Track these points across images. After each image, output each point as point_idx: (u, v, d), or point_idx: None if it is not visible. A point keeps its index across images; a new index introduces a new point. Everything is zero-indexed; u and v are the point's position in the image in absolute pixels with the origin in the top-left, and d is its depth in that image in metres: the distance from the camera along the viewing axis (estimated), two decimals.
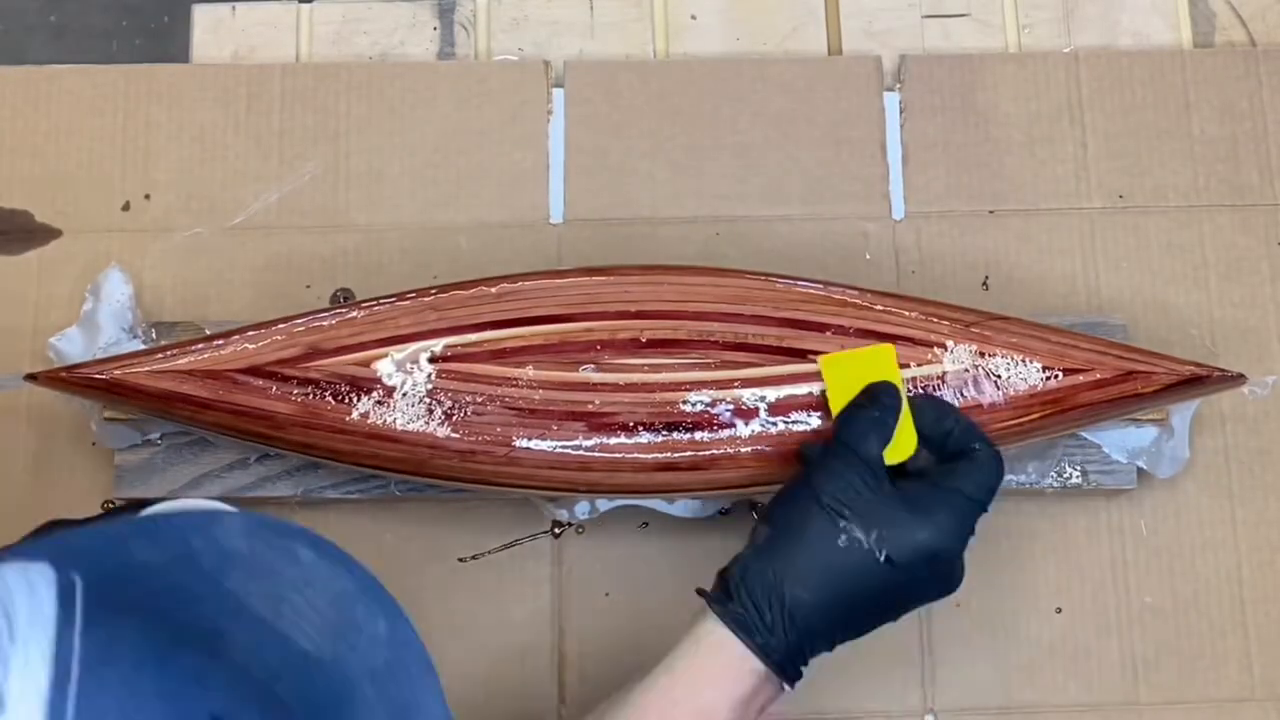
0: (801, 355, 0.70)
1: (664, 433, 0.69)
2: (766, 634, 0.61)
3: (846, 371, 0.68)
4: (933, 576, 0.63)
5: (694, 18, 0.89)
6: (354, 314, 0.71)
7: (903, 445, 0.65)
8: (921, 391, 0.69)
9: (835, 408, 0.67)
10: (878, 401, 0.66)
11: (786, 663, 0.62)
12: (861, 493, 0.62)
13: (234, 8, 0.88)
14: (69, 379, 0.70)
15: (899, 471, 0.65)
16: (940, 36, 0.89)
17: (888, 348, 0.69)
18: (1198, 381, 0.71)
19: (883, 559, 0.61)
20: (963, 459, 0.65)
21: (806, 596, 0.61)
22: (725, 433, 0.68)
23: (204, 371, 0.69)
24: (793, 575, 0.61)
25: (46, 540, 0.47)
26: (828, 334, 0.70)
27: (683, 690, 0.62)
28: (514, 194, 0.84)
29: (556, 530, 0.79)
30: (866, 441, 0.64)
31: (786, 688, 0.62)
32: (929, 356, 0.70)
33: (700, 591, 0.64)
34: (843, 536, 0.61)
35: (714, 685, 0.62)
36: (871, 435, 0.64)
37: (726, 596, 0.62)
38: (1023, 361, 0.70)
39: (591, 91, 0.86)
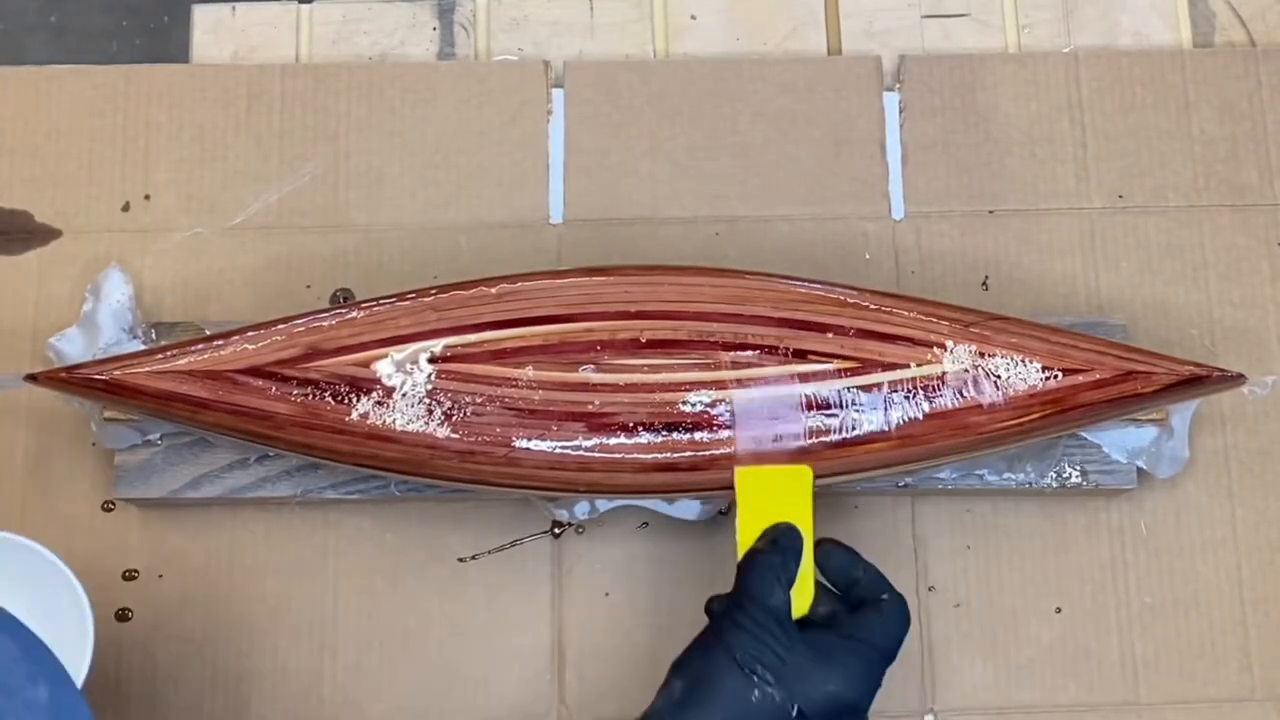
0: (802, 355, 0.70)
1: (664, 433, 0.69)
2: None
3: (761, 488, 0.68)
4: None
5: (694, 18, 0.89)
6: (354, 314, 0.71)
7: (803, 592, 0.66)
8: (829, 538, 0.68)
9: (742, 525, 0.67)
10: (779, 547, 0.66)
11: None
12: (773, 647, 0.62)
13: (234, 8, 0.88)
14: (69, 379, 0.70)
15: (802, 620, 0.65)
16: (940, 36, 0.89)
17: (806, 471, 0.69)
18: (1198, 381, 0.71)
19: (794, 713, 0.61)
20: (870, 609, 0.65)
21: None
22: (725, 433, 0.68)
23: (204, 372, 0.69)
24: None
25: None
26: (828, 334, 0.70)
27: None
28: (514, 194, 0.84)
29: (556, 530, 0.79)
30: (773, 593, 0.64)
31: None
32: (929, 356, 0.70)
33: None
34: (756, 692, 0.61)
35: None
36: (776, 586, 0.64)
37: None
38: (1022, 361, 0.70)
39: (591, 91, 0.86)
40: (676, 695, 0.63)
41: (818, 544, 0.67)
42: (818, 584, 0.67)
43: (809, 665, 0.62)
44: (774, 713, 0.61)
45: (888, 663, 0.65)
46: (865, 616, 0.65)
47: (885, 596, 0.66)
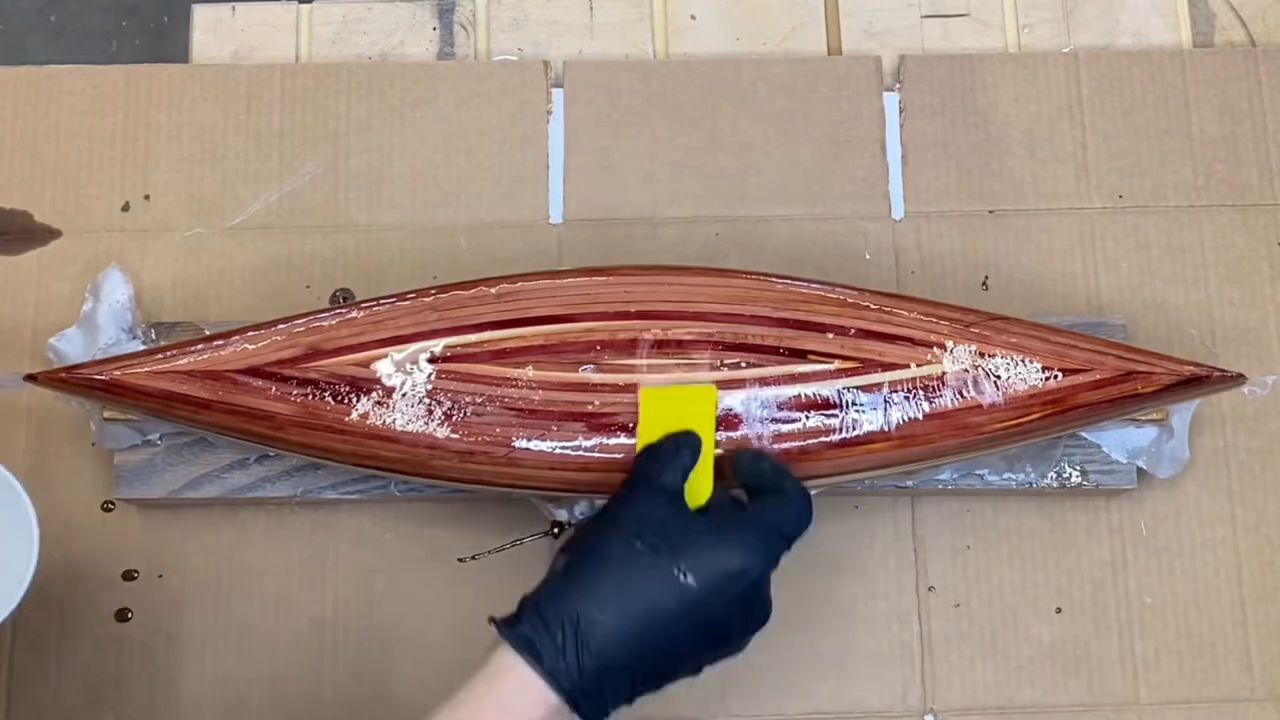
0: (802, 355, 0.70)
1: None
2: (556, 657, 0.58)
3: (664, 408, 0.68)
4: (738, 602, 0.61)
5: (694, 18, 0.89)
6: (354, 314, 0.71)
7: (697, 490, 0.65)
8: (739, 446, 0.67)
9: (641, 437, 0.67)
10: (674, 440, 0.65)
11: (579, 694, 0.58)
12: (662, 517, 0.61)
13: (234, 8, 0.88)
14: (69, 379, 0.70)
15: (699, 509, 0.64)
16: (940, 36, 0.89)
17: (710, 390, 0.68)
18: (1198, 381, 0.71)
19: (685, 579, 0.59)
20: (771, 494, 0.64)
21: (602, 618, 0.58)
22: (725, 433, 0.68)
23: (204, 372, 0.69)
24: (588, 596, 0.59)
25: None
26: (828, 334, 0.70)
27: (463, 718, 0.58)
28: (514, 194, 0.84)
29: (556, 530, 0.79)
30: (664, 475, 0.63)
31: None
32: (929, 356, 0.70)
33: (492, 619, 0.60)
34: (644, 558, 0.59)
35: (498, 714, 0.58)
36: (668, 469, 0.63)
37: (518, 620, 0.59)
38: (1022, 361, 0.70)
39: (591, 91, 0.86)
40: (560, 566, 0.61)
41: (721, 447, 0.66)
42: (719, 484, 0.66)
43: (699, 535, 0.60)
44: (661, 579, 0.59)
45: (786, 543, 0.63)
46: (765, 499, 0.64)
47: (787, 484, 0.64)
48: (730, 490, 0.66)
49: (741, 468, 0.66)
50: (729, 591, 0.60)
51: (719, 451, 0.67)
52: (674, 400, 0.68)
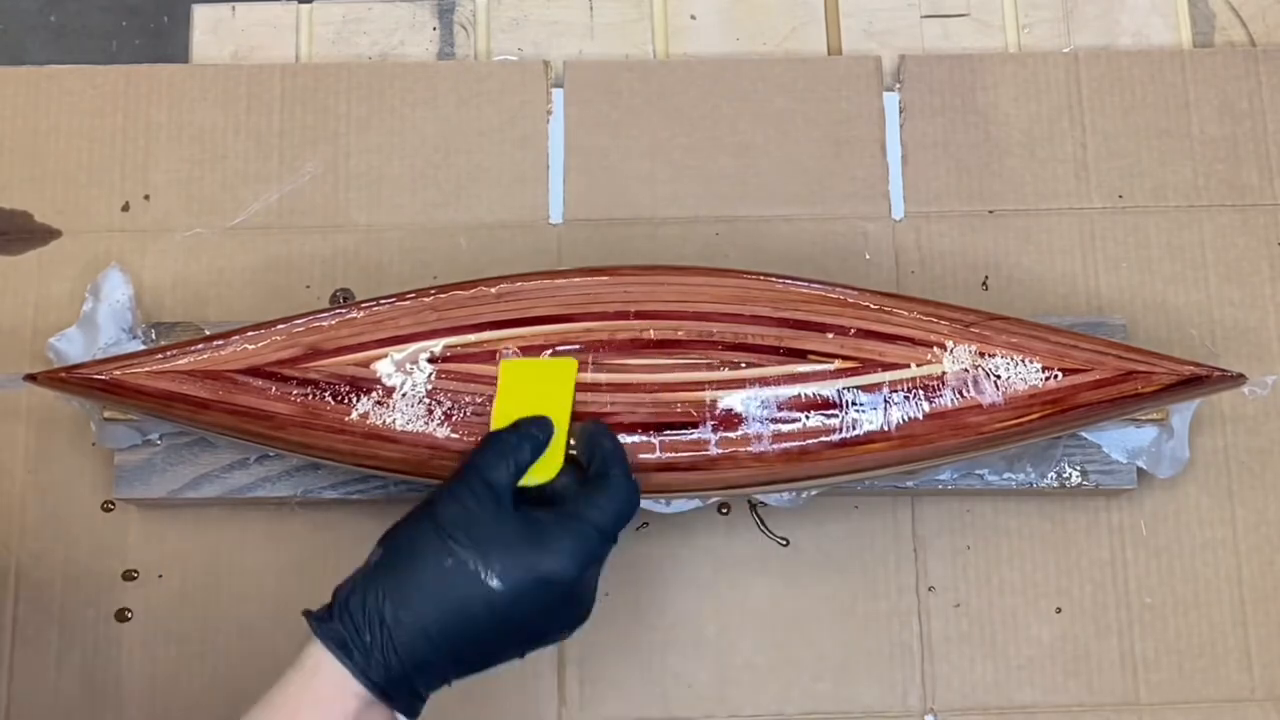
0: (802, 355, 0.70)
1: (664, 433, 0.69)
2: (365, 654, 0.58)
3: (523, 380, 0.68)
4: (548, 604, 0.61)
5: (694, 18, 0.89)
6: (354, 314, 0.71)
7: (546, 467, 0.65)
8: (594, 421, 0.68)
9: (496, 414, 0.67)
10: (523, 431, 0.65)
11: (391, 688, 0.59)
12: (479, 517, 0.61)
13: (234, 8, 0.88)
14: (69, 379, 0.70)
15: (539, 494, 0.64)
16: (940, 36, 0.89)
17: (570, 363, 0.69)
18: (1198, 381, 0.71)
19: (491, 582, 0.59)
20: (597, 485, 0.63)
21: (409, 618, 0.59)
22: (725, 433, 0.68)
23: (204, 372, 0.69)
24: (398, 596, 0.59)
25: None
26: (828, 334, 0.70)
27: (280, 716, 0.59)
28: (514, 194, 0.84)
29: None
30: (496, 469, 0.62)
31: (401, 718, 0.60)
32: (929, 356, 0.70)
33: (306, 612, 0.61)
34: (450, 559, 0.60)
35: (313, 709, 0.59)
36: (503, 464, 0.63)
37: (330, 616, 0.60)
38: (1023, 361, 0.70)
39: (591, 91, 0.86)
40: (374, 560, 0.61)
41: (593, 425, 0.67)
42: (569, 459, 0.66)
43: (514, 537, 0.60)
44: (467, 579, 0.59)
45: (606, 541, 0.62)
46: (589, 492, 0.63)
47: (614, 472, 0.64)
48: (572, 469, 0.65)
49: (581, 441, 0.66)
50: (538, 595, 0.60)
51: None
52: (534, 373, 0.68)
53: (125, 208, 0.84)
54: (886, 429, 0.69)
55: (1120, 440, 0.77)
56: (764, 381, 0.69)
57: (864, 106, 0.86)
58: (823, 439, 0.69)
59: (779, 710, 0.77)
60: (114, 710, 0.76)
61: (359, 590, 0.60)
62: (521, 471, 0.64)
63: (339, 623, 0.59)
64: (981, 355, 0.70)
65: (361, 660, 0.59)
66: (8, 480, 0.79)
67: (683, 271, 0.73)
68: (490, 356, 0.69)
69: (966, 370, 0.70)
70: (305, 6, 0.88)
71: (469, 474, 0.62)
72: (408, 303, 0.71)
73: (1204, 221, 0.84)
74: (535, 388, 0.68)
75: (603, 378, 0.69)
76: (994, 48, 0.88)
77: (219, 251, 0.83)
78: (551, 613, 0.62)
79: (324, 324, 0.70)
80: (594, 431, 0.66)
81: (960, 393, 0.70)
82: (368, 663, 0.59)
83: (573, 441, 0.67)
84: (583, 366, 0.69)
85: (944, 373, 0.70)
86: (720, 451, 0.69)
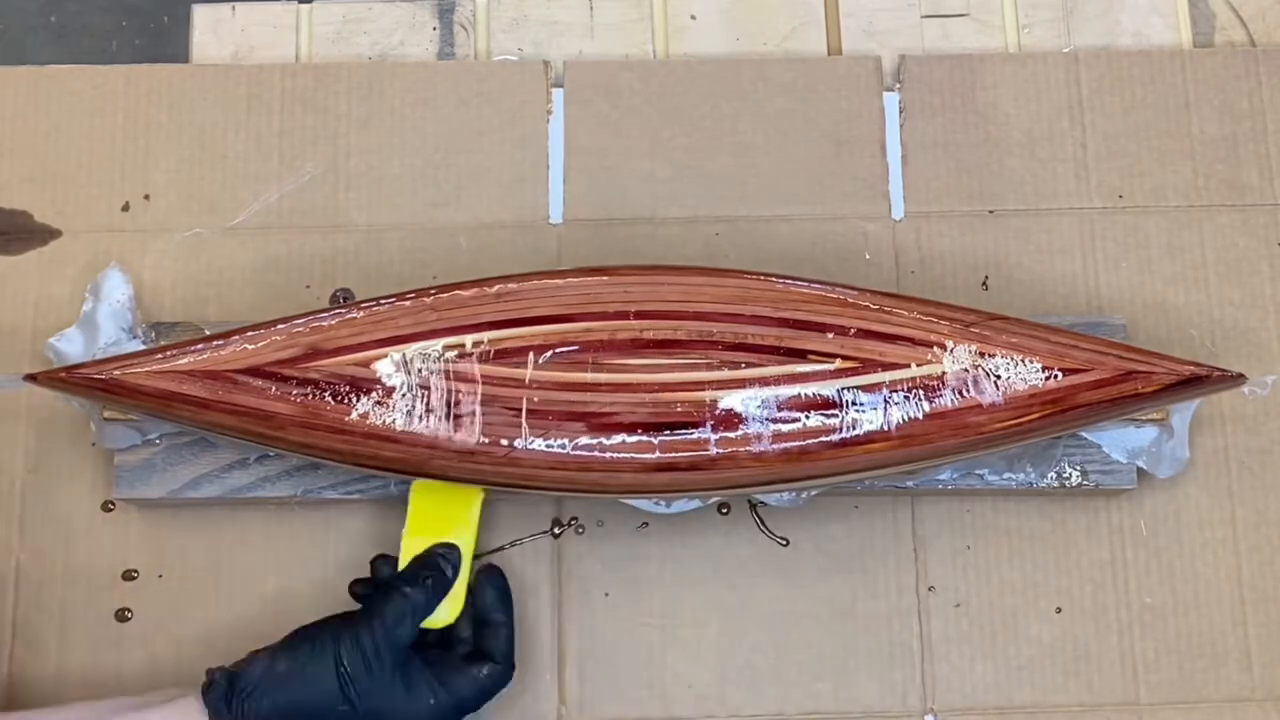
0: (802, 355, 0.70)
1: (664, 433, 0.69)
2: None
3: (432, 502, 0.72)
4: None
5: (694, 18, 0.89)
6: (354, 314, 0.71)
7: (448, 611, 0.71)
8: (490, 566, 0.73)
9: (408, 534, 0.72)
10: (428, 581, 0.70)
11: None
12: (376, 671, 0.68)
13: (234, 8, 0.88)
14: (69, 379, 0.70)
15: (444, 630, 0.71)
16: (940, 36, 0.89)
17: (477, 494, 0.73)
18: (1197, 381, 0.71)
19: None
20: (477, 663, 0.70)
21: None
22: (725, 433, 0.68)
23: (204, 372, 0.69)
24: (283, 709, 0.67)
25: None
26: (828, 334, 0.70)
27: None
28: (514, 194, 0.84)
29: (556, 530, 0.79)
30: (400, 626, 0.69)
31: None
32: (929, 356, 0.70)
33: (210, 673, 0.68)
34: (343, 702, 0.67)
35: None
36: (407, 620, 0.69)
37: (228, 694, 0.67)
38: (1023, 361, 0.70)
39: (591, 91, 0.86)
40: (282, 666, 0.68)
41: (481, 570, 0.73)
42: (468, 601, 0.72)
43: (397, 698, 0.68)
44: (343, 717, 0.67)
45: (465, 714, 0.70)
46: (469, 670, 0.70)
47: (496, 659, 0.70)
48: (469, 613, 0.72)
49: (479, 608, 0.72)
50: None
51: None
52: (444, 497, 0.72)
53: (125, 208, 0.84)
54: (886, 429, 0.69)
55: (1120, 440, 0.77)
56: (764, 381, 0.69)
57: (864, 106, 0.86)
58: (823, 439, 0.69)
59: (779, 710, 0.77)
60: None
61: (261, 694, 0.67)
62: (423, 618, 0.70)
63: (219, 698, 0.67)
64: (981, 355, 0.70)
65: None
66: (8, 480, 0.79)
67: (683, 271, 0.73)
68: (490, 356, 0.69)
69: (966, 370, 0.70)
70: (305, 6, 0.88)
71: (377, 626, 0.68)
72: (408, 303, 0.71)
73: (1204, 221, 0.84)
74: (443, 512, 0.72)
75: (603, 378, 0.69)
76: (994, 48, 0.88)
77: (219, 251, 0.83)
78: None
79: (324, 324, 0.70)
80: (490, 593, 0.72)
81: (960, 393, 0.70)
82: None
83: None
84: (583, 366, 0.69)
85: (944, 373, 0.70)
86: (720, 451, 0.69)
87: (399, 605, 0.69)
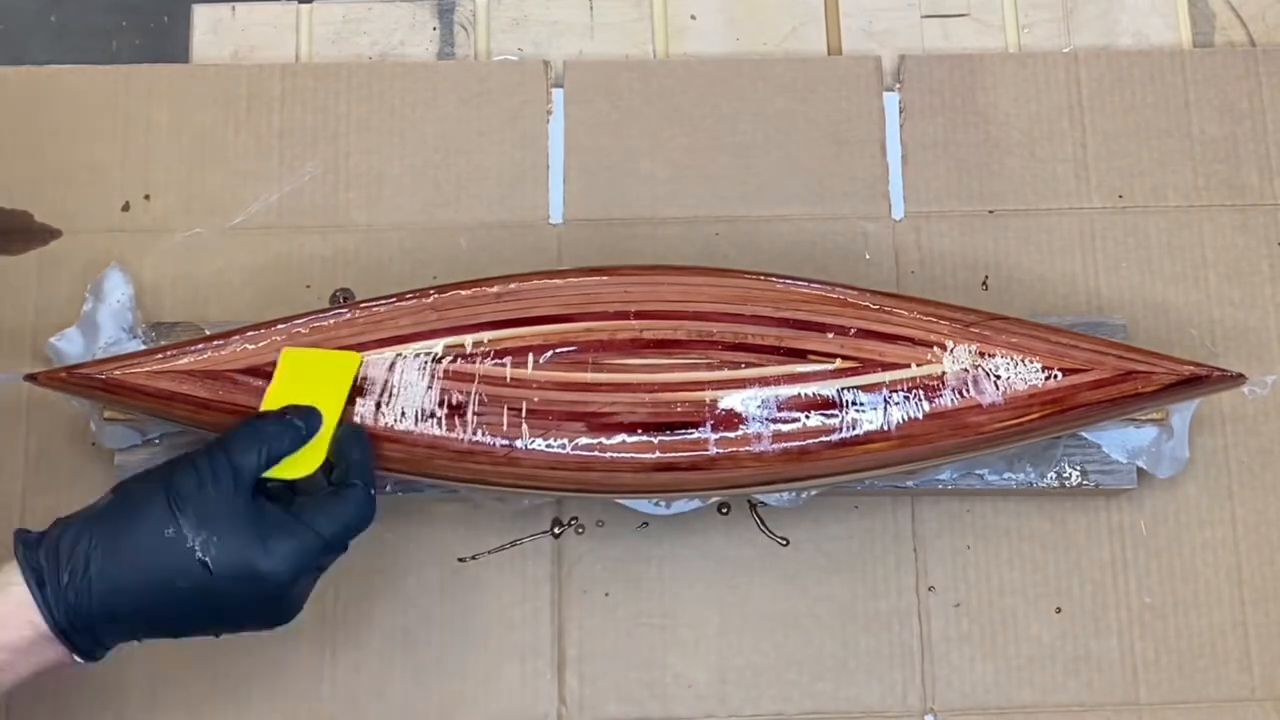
0: (802, 355, 0.70)
1: (664, 433, 0.69)
2: (58, 594, 0.59)
3: (303, 369, 0.68)
4: (255, 598, 0.61)
5: (694, 18, 0.89)
6: (354, 314, 0.71)
7: (303, 462, 0.65)
8: (353, 425, 0.68)
9: (268, 398, 0.67)
10: (285, 421, 0.65)
11: (72, 631, 0.60)
12: (212, 497, 0.61)
13: (234, 8, 0.88)
14: (69, 379, 0.70)
15: (289, 486, 0.64)
16: (940, 36, 0.89)
17: (353, 357, 0.69)
18: (1197, 381, 0.71)
19: (205, 563, 0.60)
20: (335, 494, 0.64)
21: (113, 572, 0.59)
22: (725, 433, 0.68)
23: (204, 371, 0.69)
24: (109, 547, 0.60)
25: None
26: (828, 334, 0.70)
27: None
28: (514, 194, 0.84)
29: (556, 530, 0.79)
30: (245, 454, 0.62)
31: (78, 659, 0.61)
32: (929, 356, 0.70)
33: (18, 532, 0.62)
34: (172, 529, 0.60)
35: None
36: (254, 450, 0.63)
37: (38, 544, 0.60)
38: (1023, 361, 0.70)
39: (591, 91, 0.86)
40: (100, 504, 0.62)
41: (343, 430, 0.67)
42: (328, 460, 0.66)
43: (240, 526, 0.61)
44: (179, 555, 0.60)
45: (329, 551, 0.63)
46: (325, 500, 0.64)
47: (355, 484, 0.64)
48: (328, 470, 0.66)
49: (336, 444, 0.66)
50: (246, 588, 0.61)
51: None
52: (316, 364, 0.68)
53: (125, 208, 0.84)
54: (886, 429, 0.69)
55: (1120, 440, 0.77)
56: (764, 381, 0.69)
57: (864, 106, 0.86)
58: (823, 439, 0.69)
59: (779, 710, 0.77)
60: (114, 710, 0.76)
61: (73, 531, 0.60)
62: (274, 461, 0.64)
63: (43, 554, 0.60)
64: (981, 355, 0.70)
65: (51, 598, 0.59)
66: (8, 480, 0.79)
67: (683, 271, 0.73)
68: (490, 356, 0.69)
69: (966, 370, 0.70)
70: (305, 6, 0.88)
71: (216, 451, 0.62)
72: (408, 303, 0.71)
73: (1204, 221, 0.84)
74: (315, 378, 0.68)
75: (603, 378, 0.69)
76: (994, 48, 0.88)
77: (219, 251, 0.83)
78: (256, 606, 0.62)
79: (324, 324, 0.70)
80: (348, 437, 0.66)
81: (960, 393, 0.70)
82: (56, 602, 0.59)
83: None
84: (583, 366, 0.69)
85: (944, 373, 0.70)
86: (720, 451, 0.69)
87: (246, 432, 0.63)
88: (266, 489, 0.64)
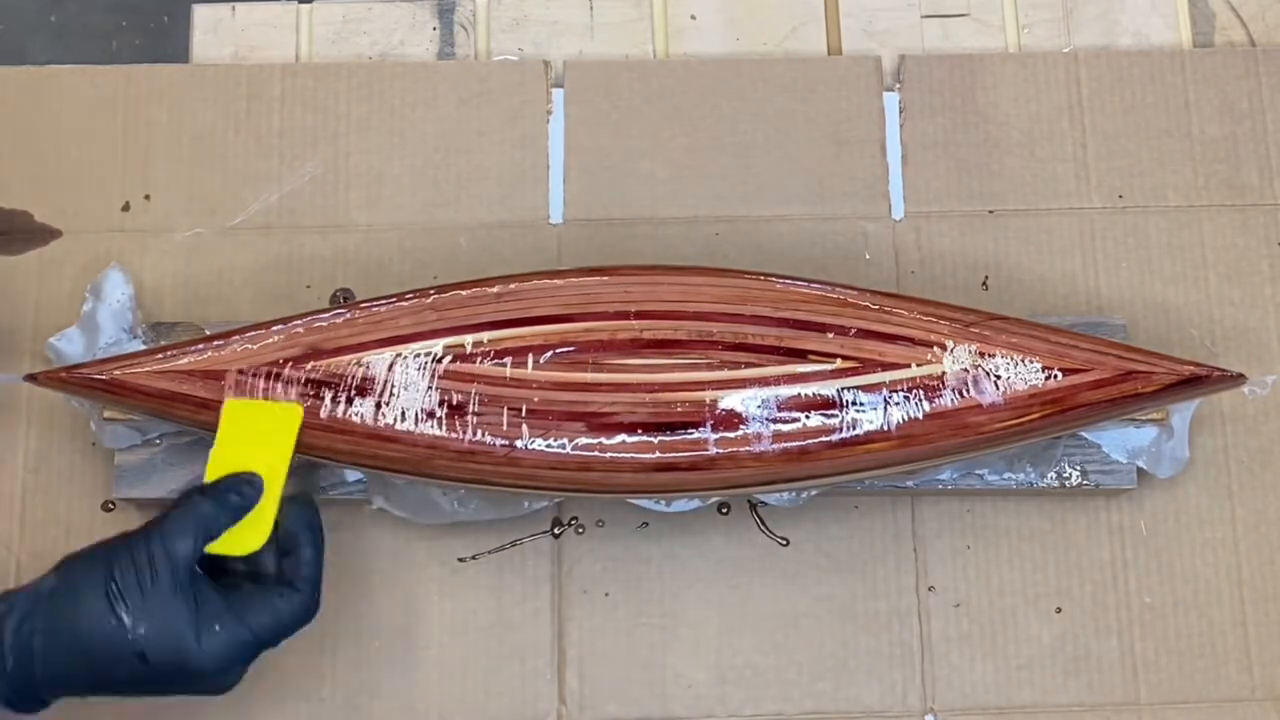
0: (802, 355, 0.70)
1: (664, 433, 0.69)
2: (2, 674, 0.60)
3: (246, 422, 0.67)
4: (189, 683, 0.63)
5: (694, 18, 0.89)
6: (354, 314, 0.71)
7: (248, 538, 0.64)
8: (300, 493, 0.68)
9: (214, 458, 0.66)
10: (222, 499, 0.64)
11: (16, 702, 0.61)
12: (149, 587, 0.61)
13: (234, 8, 0.88)
14: (69, 379, 0.70)
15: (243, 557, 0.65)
16: (940, 36, 0.89)
17: (295, 410, 0.68)
18: (1197, 381, 0.71)
19: (139, 654, 0.61)
20: (277, 591, 0.64)
21: (57, 659, 0.61)
22: (725, 433, 0.68)
23: (204, 371, 0.69)
24: (52, 636, 0.61)
25: None
26: (828, 334, 0.70)
27: None
28: (514, 194, 0.84)
29: (556, 530, 0.79)
30: (182, 539, 0.62)
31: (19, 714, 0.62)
32: (929, 356, 0.70)
33: None
34: (112, 619, 0.60)
35: None
36: (190, 535, 0.63)
37: None
38: (1023, 361, 0.70)
39: (591, 91, 0.86)
40: (45, 587, 0.62)
41: (291, 498, 0.66)
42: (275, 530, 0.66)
43: (174, 619, 0.61)
44: (119, 644, 0.61)
45: (262, 647, 0.64)
46: (266, 597, 0.64)
47: (300, 587, 0.64)
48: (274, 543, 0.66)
49: (283, 536, 0.66)
50: (182, 676, 0.62)
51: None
52: (258, 416, 0.68)
53: (125, 208, 0.84)
54: (886, 429, 0.69)
55: (1120, 440, 0.77)
56: (764, 381, 0.69)
57: (864, 106, 0.86)
58: (823, 439, 0.69)
59: (779, 710, 0.77)
60: (114, 710, 0.76)
61: (18, 614, 0.61)
62: (213, 538, 0.64)
63: None
64: (981, 355, 0.70)
65: None
66: (8, 480, 0.79)
67: (683, 271, 0.73)
68: (490, 356, 0.69)
69: (966, 370, 0.70)
70: (305, 6, 0.88)
71: (154, 537, 0.62)
72: (408, 303, 0.71)
73: (1204, 221, 0.84)
74: (258, 433, 0.67)
75: (603, 378, 0.69)
76: (994, 48, 0.88)
77: (219, 251, 0.83)
78: (193, 688, 0.63)
79: (324, 324, 0.70)
80: (298, 517, 0.66)
81: (960, 393, 0.70)
82: (1, 681, 0.61)
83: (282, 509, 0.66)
84: (583, 366, 0.69)
85: (944, 373, 0.70)
86: (720, 451, 0.69)
87: (182, 515, 0.63)
88: (213, 563, 0.64)
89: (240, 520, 0.65)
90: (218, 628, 0.62)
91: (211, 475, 0.66)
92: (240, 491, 0.65)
